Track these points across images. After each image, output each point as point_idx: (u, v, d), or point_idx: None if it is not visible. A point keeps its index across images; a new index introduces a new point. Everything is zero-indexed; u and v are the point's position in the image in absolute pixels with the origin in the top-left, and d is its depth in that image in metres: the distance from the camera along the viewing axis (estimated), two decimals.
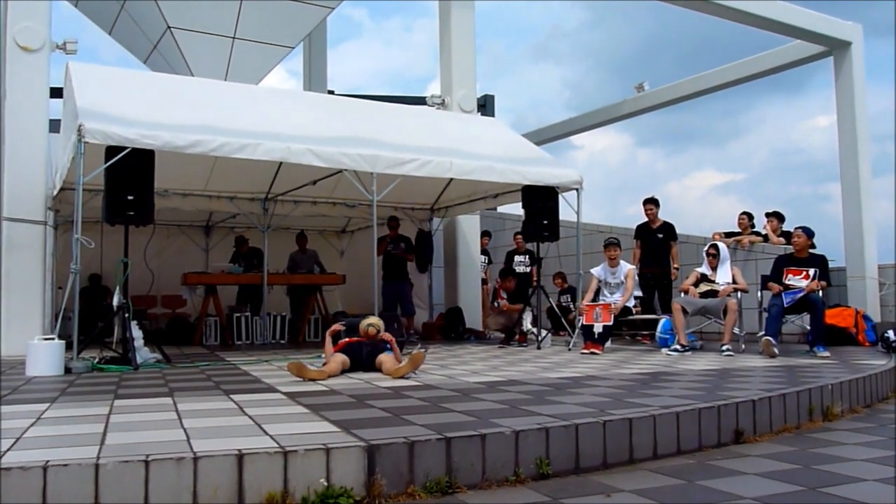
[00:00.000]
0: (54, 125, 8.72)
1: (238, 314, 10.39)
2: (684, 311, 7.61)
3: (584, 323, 7.77)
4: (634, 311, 8.72)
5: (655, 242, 9.59)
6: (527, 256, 12.49)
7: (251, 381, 5.20)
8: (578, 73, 75.71)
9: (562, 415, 3.45)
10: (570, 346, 8.12)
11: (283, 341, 10.40)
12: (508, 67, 72.09)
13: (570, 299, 10.74)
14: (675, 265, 9.55)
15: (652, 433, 3.45)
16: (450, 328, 10.70)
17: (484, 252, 12.35)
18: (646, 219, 9.79)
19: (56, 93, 8.84)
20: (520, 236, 12.36)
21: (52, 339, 6.05)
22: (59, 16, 8.80)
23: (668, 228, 9.64)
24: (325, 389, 4.58)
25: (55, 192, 8.38)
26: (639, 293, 9.81)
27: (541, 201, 8.51)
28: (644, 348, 8.49)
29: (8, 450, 2.74)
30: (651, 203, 9.76)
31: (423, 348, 7.60)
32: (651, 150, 76.01)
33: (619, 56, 70.95)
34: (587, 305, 7.88)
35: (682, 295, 7.89)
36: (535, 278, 11.34)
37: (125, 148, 6.25)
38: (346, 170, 7.52)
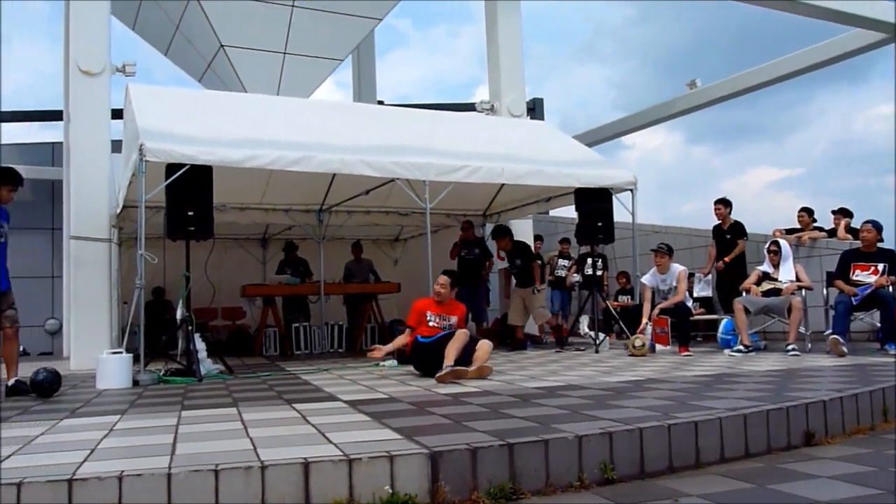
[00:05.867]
0: (116, 145, 8.99)
1: (296, 324, 10.55)
2: (746, 311, 7.44)
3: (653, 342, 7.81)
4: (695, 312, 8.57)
5: (726, 243, 9.50)
6: (569, 260, 12.45)
7: (312, 390, 5.27)
8: (624, 71, 74.94)
9: (625, 419, 3.40)
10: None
11: (340, 350, 10.52)
12: (554, 69, 71.76)
13: (629, 299, 10.61)
14: (726, 258, 9.42)
15: (718, 436, 3.38)
16: (506, 333, 10.66)
17: (537, 256, 12.27)
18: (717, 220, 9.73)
19: (117, 114, 9.13)
20: (566, 243, 12.35)
21: (120, 352, 6.24)
22: (116, 39, 9.09)
23: (734, 228, 9.60)
24: (385, 397, 4.61)
25: (118, 210, 8.64)
26: (707, 293, 9.66)
27: (594, 203, 8.42)
28: (705, 349, 8.31)
29: (84, 461, 2.84)
30: (720, 203, 9.66)
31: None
32: (704, 148, 74.63)
33: (666, 53, 69.96)
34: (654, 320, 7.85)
35: (744, 294, 7.71)
36: (573, 277, 11.33)
37: (184, 165, 6.41)
38: (398, 179, 7.57)
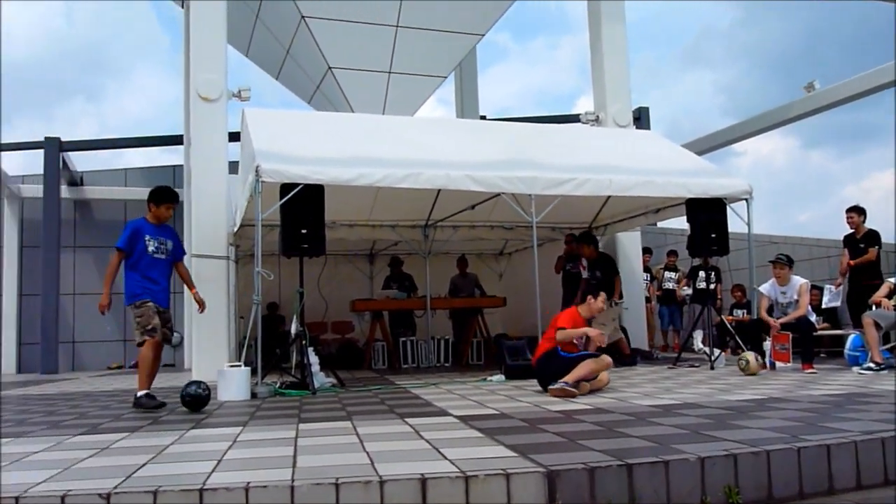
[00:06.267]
0: (232, 167, 9.43)
1: (403, 338, 10.69)
2: (877, 326, 6.98)
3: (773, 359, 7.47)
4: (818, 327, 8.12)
5: (860, 253, 8.95)
6: (676, 273, 12.07)
7: (422, 404, 5.31)
8: (733, 75, 72.21)
9: (749, 440, 3.24)
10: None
11: (446, 364, 10.58)
12: (658, 76, 70.07)
13: (745, 313, 10.19)
14: (851, 262, 8.89)
15: (853, 461, 3.17)
16: (607, 350, 10.44)
17: (646, 269, 11.99)
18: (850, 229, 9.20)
19: (233, 137, 9.58)
20: (674, 256, 12.01)
21: (239, 365, 6.49)
22: (231, 65, 9.56)
23: (868, 236, 8.98)
24: (496, 413, 4.59)
25: (235, 229, 9.02)
26: (836, 303, 9.14)
27: (707, 214, 8.12)
28: (831, 367, 7.86)
29: (213, 471, 2.96)
30: (853, 211, 9.10)
31: None
32: (821, 152, 70.90)
33: (777, 54, 66.89)
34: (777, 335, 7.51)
35: (874, 308, 7.24)
36: (683, 290, 10.91)
37: (298, 185, 6.64)
38: (504, 193, 7.57)
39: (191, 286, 6.21)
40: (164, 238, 5.82)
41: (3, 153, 14.19)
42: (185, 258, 6.25)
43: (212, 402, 5.97)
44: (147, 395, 5.58)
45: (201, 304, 6.14)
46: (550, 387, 5.50)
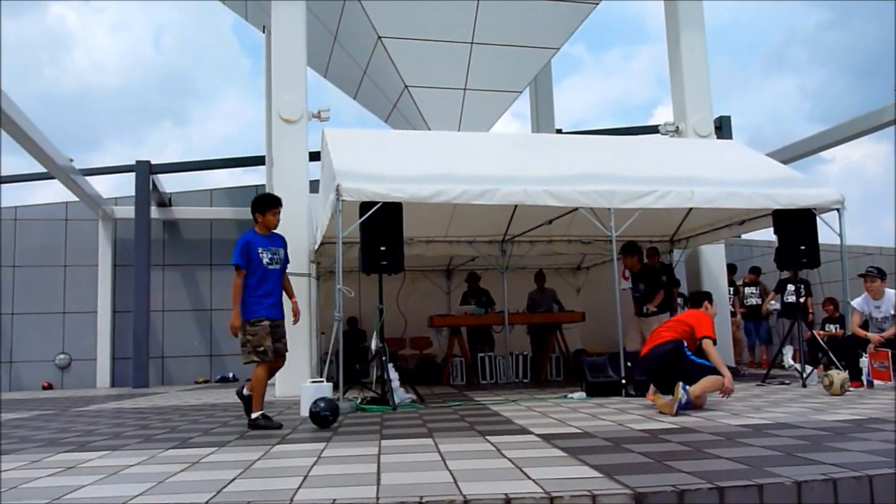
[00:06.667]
0: (313, 186, 9.63)
1: (481, 354, 10.67)
2: None
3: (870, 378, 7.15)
4: None
5: None
6: (758, 288, 11.67)
7: (502, 421, 5.28)
8: (819, 80, 69.46)
9: (850, 464, 3.09)
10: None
11: (525, 381, 10.49)
12: (739, 83, 68.06)
13: (838, 328, 9.74)
14: None
15: None
16: None
17: (730, 283, 11.63)
18: None
19: (313, 156, 9.80)
20: (755, 273, 11.67)
21: (321, 381, 6.60)
22: (310, 86, 9.80)
23: None
24: (579, 432, 4.52)
25: (316, 247, 9.21)
26: None
27: (795, 225, 7.81)
28: None
29: (300, 487, 3.01)
30: None
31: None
32: None
33: (867, 57, 64.04)
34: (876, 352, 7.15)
35: None
36: (770, 304, 10.49)
37: (377, 203, 6.73)
38: (581, 207, 7.49)
39: (291, 295, 5.97)
40: (275, 248, 5.68)
41: (98, 176, 14.91)
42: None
43: (296, 417, 6.09)
44: (263, 415, 5.43)
45: (297, 314, 5.95)
46: (660, 397, 5.41)
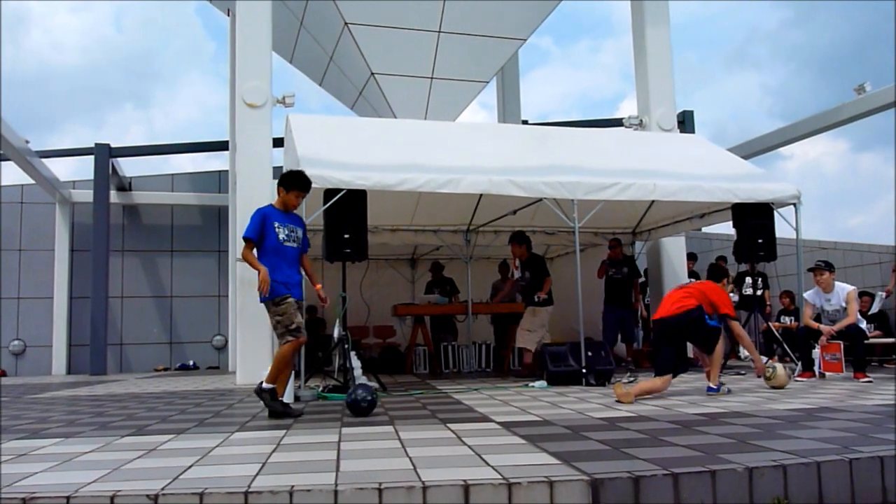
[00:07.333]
0: (276, 172, 9.52)
1: (444, 343, 10.70)
2: None
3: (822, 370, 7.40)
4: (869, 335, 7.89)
5: None
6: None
7: (464, 409, 5.30)
8: (781, 77, 70.61)
9: (799, 451, 3.17)
10: (794, 374, 7.38)
11: (487, 369, 10.55)
12: (703, 79, 68.88)
13: (793, 320, 9.97)
14: None
15: None
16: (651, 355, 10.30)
17: (692, 274, 11.80)
18: None
19: (277, 142, 9.69)
20: (722, 261, 11.82)
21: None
22: (275, 72, 9.67)
23: None
24: (539, 420, 4.56)
25: None
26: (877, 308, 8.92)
27: (754, 219, 7.97)
28: (884, 375, 7.63)
29: (257, 474, 2.99)
30: None
31: (632, 378, 7.41)
32: (873, 155, 68.97)
33: (827, 56, 65.18)
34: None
35: None
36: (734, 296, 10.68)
37: (341, 190, 6.70)
38: (546, 198, 7.53)
39: (314, 281, 5.66)
40: (293, 226, 5.37)
41: (55, 159, 14.58)
42: (231, 261, 6.16)
43: (257, 405, 6.03)
44: (272, 389, 5.09)
45: (324, 300, 5.73)
46: (620, 385, 5.67)
